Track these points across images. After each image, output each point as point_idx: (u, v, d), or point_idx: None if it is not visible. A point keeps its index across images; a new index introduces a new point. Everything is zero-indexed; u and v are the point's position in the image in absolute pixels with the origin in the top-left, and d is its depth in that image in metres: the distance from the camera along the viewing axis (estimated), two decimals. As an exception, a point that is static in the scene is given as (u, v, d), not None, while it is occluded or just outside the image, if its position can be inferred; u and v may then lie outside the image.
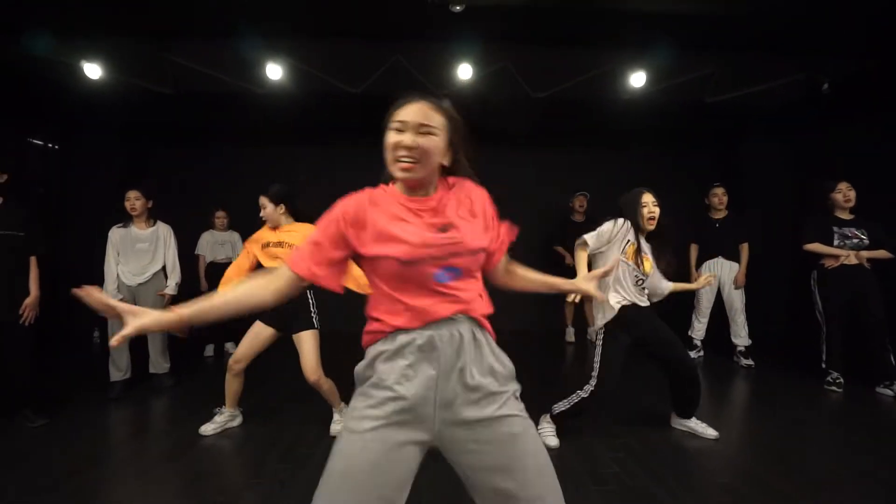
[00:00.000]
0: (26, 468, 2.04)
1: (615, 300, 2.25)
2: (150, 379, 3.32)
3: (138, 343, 3.26)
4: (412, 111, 0.98)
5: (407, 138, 0.96)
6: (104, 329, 4.67)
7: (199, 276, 4.18)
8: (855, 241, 3.08)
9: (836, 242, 3.13)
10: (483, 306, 1.01)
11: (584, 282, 1.30)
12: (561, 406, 2.31)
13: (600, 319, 2.29)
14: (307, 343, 2.34)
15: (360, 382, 0.98)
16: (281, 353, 2.59)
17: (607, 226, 2.26)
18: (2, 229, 2.40)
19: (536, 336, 4.86)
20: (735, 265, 3.87)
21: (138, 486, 1.95)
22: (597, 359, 2.29)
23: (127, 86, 3.58)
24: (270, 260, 2.34)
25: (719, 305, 3.96)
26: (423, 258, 0.93)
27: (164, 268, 3.32)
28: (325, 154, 5.14)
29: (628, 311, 2.25)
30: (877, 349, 2.99)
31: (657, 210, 2.29)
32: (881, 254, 3.04)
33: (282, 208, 2.40)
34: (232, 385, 2.49)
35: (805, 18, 2.92)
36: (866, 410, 2.79)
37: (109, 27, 3.00)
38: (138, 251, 3.23)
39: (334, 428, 2.44)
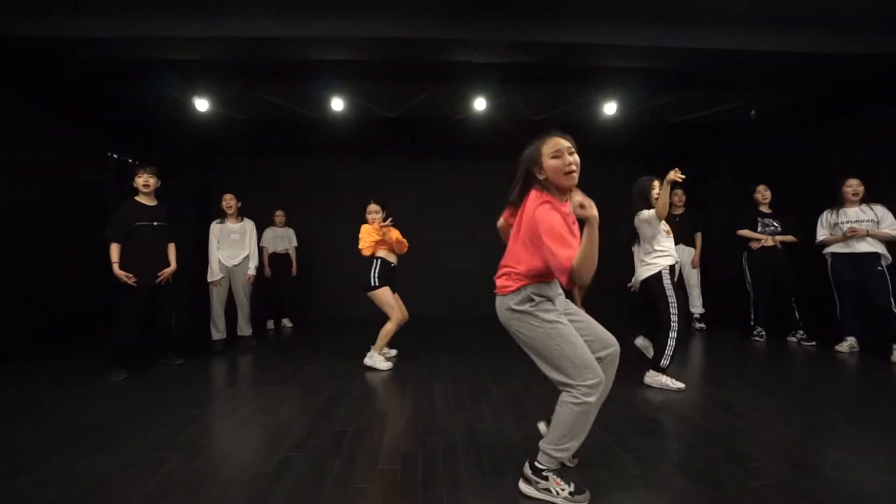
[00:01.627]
0: (182, 391, 2.99)
1: (665, 261, 2.88)
2: (237, 340, 4.31)
3: (229, 312, 4.25)
4: (561, 142, 1.56)
5: (569, 158, 1.54)
6: (178, 311, 5.67)
7: (264, 265, 5.12)
8: (771, 228, 4.14)
9: (759, 229, 4.18)
10: None
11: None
12: (665, 360, 2.79)
13: (657, 267, 2.86)
14: (398, 298, 3.51)
15: (536, 302, 1.60)
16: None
17: (646, 217, 2.90)
18: (159, 221, 3.40)
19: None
20: (692, 250, 4.91)
21: (258, 401, 2.84)
22: (672, 298, 2.80)
23: (209, 113, 4.58)
24: (383, 248, 3.46)
25: (680, 282, 4.98)
26: None
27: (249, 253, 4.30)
28: (361, 165, 6.16)
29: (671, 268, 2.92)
30: (786, 308, 4.04)
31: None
32: (790, 238, 4.10)
33: (384, 213, 3.51)
34: (393, 331, 3.43)
35: (736, 67, 3.95)
36: (779, 353, 3.79)
37: (215, 71, 4.00)
38: (232, 240, 4.22)
39: (382, 365, 3.40)
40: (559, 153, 1.54)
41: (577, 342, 1.59)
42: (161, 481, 1.75)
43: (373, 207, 3.50)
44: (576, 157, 1.56)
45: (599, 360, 1.67)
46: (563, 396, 1.59)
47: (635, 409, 2.52)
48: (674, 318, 2.78)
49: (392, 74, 3.99)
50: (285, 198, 5.61)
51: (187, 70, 3.93)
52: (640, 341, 3.43)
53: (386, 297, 3.42)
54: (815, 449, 2.01)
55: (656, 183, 2.98)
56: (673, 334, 2.77)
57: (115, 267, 3.20)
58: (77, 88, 4.35)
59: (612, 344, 1.73)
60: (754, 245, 4.19)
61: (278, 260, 5.23)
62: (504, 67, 3.77)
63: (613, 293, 4.64)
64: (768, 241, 4.11)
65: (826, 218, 3.76)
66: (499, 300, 1.72)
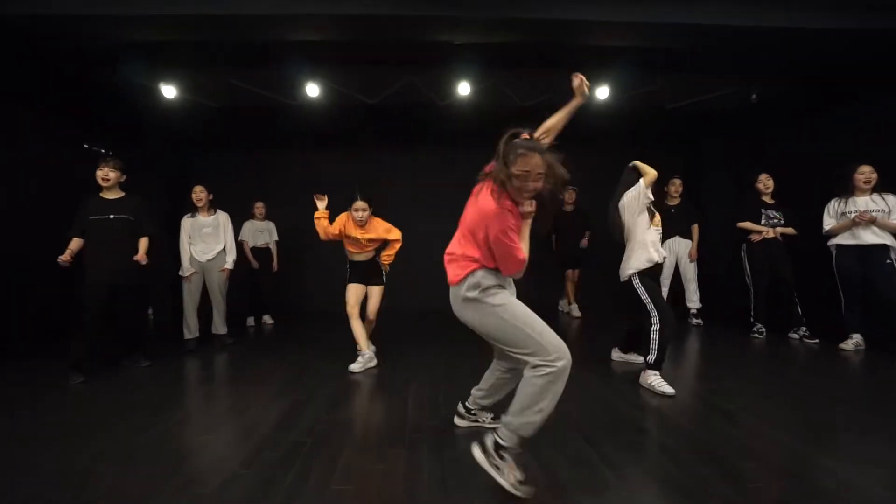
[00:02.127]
0: (142, 394, 2.80)
1: (643, 261, 2.69)
2: (212, 339, 4.11)
3: (204, 311, 4.05)
4: (534, 164, 1.50)
5: (533, 184, 1.52)
6: (157, 308, 5.51)
7: (248, 258, 4.89)
8: (774, 220, 3.92)
9: (762, 221, 3.95)
10: None
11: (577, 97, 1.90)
12: (651, 354, 2.63)
13: (629, 271, 2.73)
14: (376, 294, 3.34)
15: (484, 287, 1.63)
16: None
17: (630, 196, 2.74)
18: (119, 214, 3.20)
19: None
20: (689, 242, 4.69)
21: (225, 404, 2.67)
22: (645, 297, 2.67)
23: (180, 100, 4.35)
24: (353, 247, 3.31)
25: (678, 276, 4.76)
26: None
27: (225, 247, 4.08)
28: (344, 155, 5.92)
29: (649, 269, 2.71)
30: (787, 303, 3.83)
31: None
32: (790, 230, 3.88)
33: (370, 210, 3.23)
34: (357, 328, 3.22)
35: (734, 48, 3.70)
36: (780, 351, 3.58)
37: (185, 57, 3.77)
38: (204, 234, 4.00)
39: (353, 367, 3.14)
40: (526, 176, 1.52)
41: (530, 316, 1.62)
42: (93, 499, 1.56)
43: (359, 205, 3.18)
44: (538, 185, 1.55)
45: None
46: (526, 372, 1.58)
47: (622, 416, 2.31)
48: (652, 313, 2.66)
49: (370, 57, 3.75)
50: (267, 189, 5.39)
51: (154, 54, 3.69)
52: (615, 354, 3.31)
53: (346, 293, 3.33)
54: (817, 463, 1.80)
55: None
56: (655, 328, 2.63)
57: (67, 251, 3.03)
58: (43, 74, 4.11)
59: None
60: (755, 237, 3.97)
61: (258, 254, 5.02)
62: (487, 48, 3.53)
63: (609, 284, 4.43)
64: (769, 233, 3.90)
65: (833, 207, 3.53)
66: (453, 291, 1.73)
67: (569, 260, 5.20)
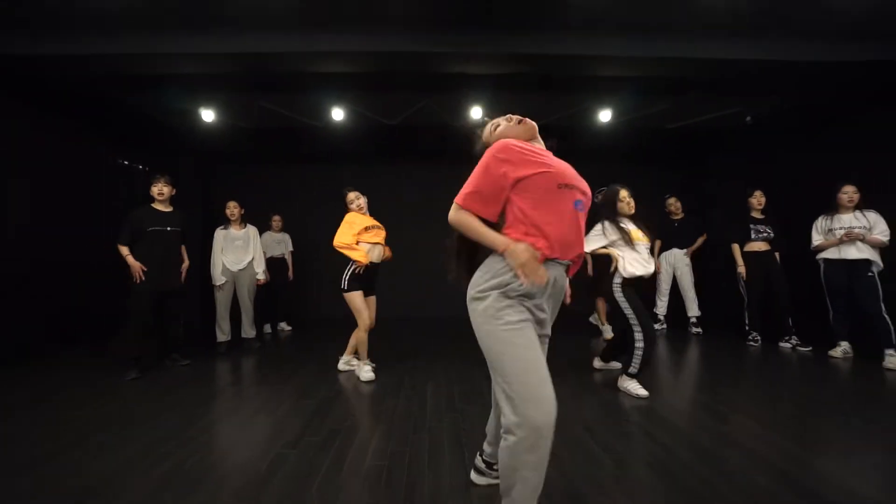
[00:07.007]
0: (182, 392, 3.15)
1: (626, 274, 2.81)
2: (241, 343, 4.45)
3: (234, 316, 4.38)
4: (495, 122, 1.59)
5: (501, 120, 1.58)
6: (187, 313, 5.84)
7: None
8: (764, 234, 4.16)
9: (752, 236, 4.20)
10: None
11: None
12: (633, 367, 2.77)
13: (616, 281, 2.84)
14: (374, 303, 3.44)
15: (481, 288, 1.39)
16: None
17: (597, 229, 2.93)
18: (173, 226, 3.57)
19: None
20: (684, 255, 4.96)
21: (257, 401, 3.00)
22: (628, 312, 2.78)
23: (212, 122, 4.74)
24: (372, 238, 3.32)
25: (677, 288, 5.01)
26: None
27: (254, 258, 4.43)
28: (363, 171, 6.26)
29: (631, 280, 2.85)
30: (780, 313, 4.06)
31: (632, 200, 2.98)
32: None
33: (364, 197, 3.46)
34: (365, 340, 3.32)
35: (732, 77, 3.98)
36: (772, 358, 3.80)
37: (222, 84, 4.15)
38: (236, 246, 4.36)
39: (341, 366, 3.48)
40: (497, 125, 1.60)
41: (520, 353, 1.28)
42: (161, 477, 1.87)
43: (353, 195, 3.41)
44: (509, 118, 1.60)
45: None
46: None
47: (611, 412, 2.59)
48: (635, 328, 2.76)
49: (390, 85, 4.10)
50: (286, 204, 5.75)
51: (195, 84, 4.07)
52: (597, 363, 3.46)
53: (354, 301, 3.24)
54: (802, 458, 2.01)
55: (624, 193, 2.96)
56: (639, 345, 2.76)
57: (130, 258, 3.37)
58: (93, 101, 4.51)
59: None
60: (748, 248, 4.20)
61: (274, 264, 5.25)
62: (499, 77, 3.85)
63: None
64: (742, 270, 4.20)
65: (821, 224, 3.78)
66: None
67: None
